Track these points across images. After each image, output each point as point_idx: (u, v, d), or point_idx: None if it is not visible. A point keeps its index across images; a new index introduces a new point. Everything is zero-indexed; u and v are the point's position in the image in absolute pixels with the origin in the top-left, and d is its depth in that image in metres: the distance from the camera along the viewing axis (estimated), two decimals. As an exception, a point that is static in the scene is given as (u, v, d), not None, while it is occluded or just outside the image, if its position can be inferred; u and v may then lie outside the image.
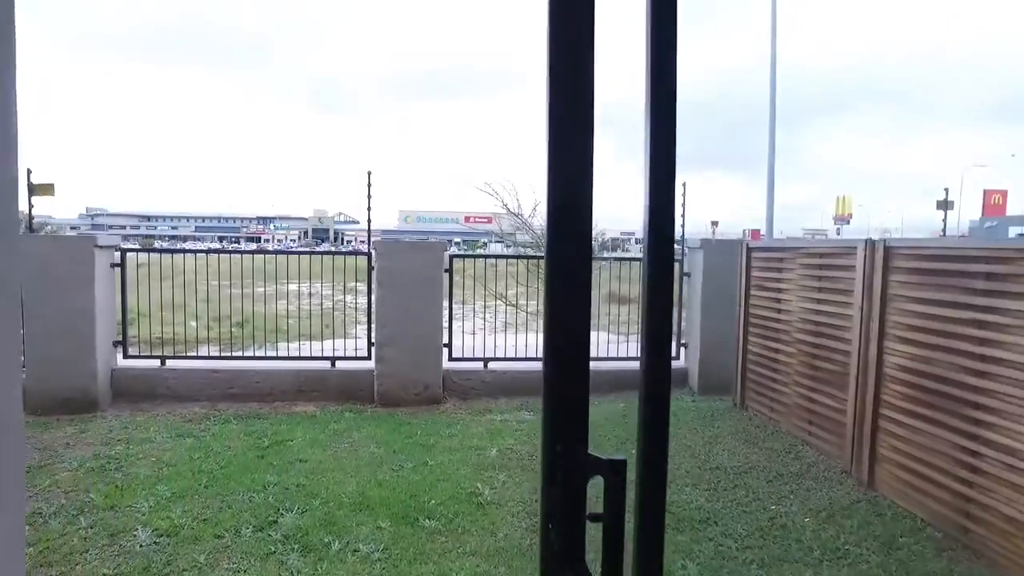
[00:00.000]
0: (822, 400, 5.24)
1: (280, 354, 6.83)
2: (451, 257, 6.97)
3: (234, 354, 6.73)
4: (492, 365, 7.06)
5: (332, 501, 4.18)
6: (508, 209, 10.39)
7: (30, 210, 6.38)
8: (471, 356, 7.05)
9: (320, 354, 6.84)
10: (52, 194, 6.34)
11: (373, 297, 6.63)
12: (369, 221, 6.70)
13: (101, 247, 6.19)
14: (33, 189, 6.30)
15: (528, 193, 10.09)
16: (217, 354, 6.95)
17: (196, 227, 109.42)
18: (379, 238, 6.75)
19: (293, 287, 8.66)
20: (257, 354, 6.79)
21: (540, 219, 11.02)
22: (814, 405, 5.35)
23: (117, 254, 6.52)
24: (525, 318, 7.99)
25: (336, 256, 8.11)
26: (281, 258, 8.02)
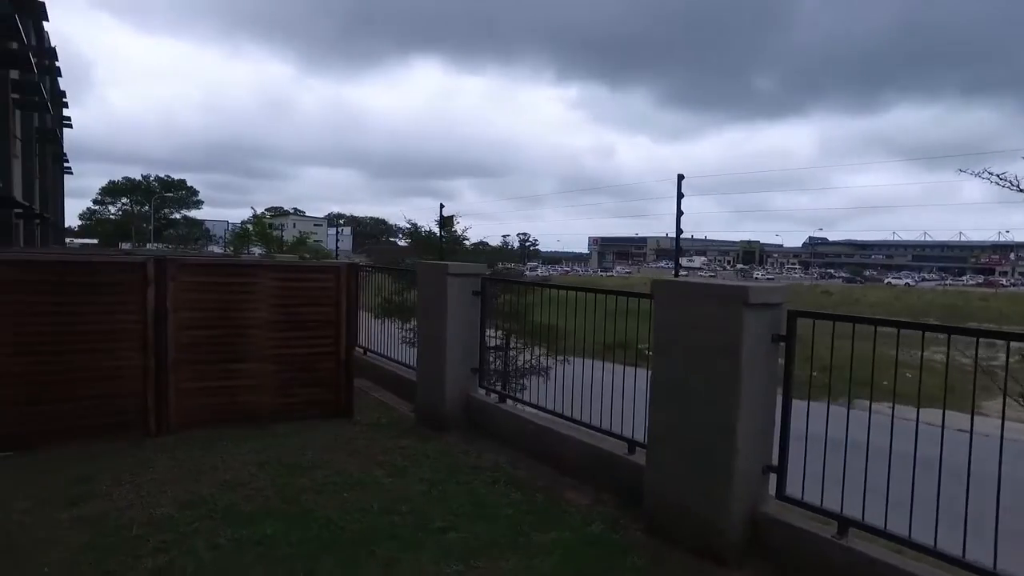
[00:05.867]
0: None
1: (583, 418, 5.34)
2: (793, 314, 3.90)
3: (556, 410, 5.66)
4: (858, 535, 3.62)
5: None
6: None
7: (441, 240, 7.10)
8: (818, 504, 3.79)
9: (617, 429, 5.01)
10: (451, 226, 6.89)
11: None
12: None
13: (453, 275, 6.32)
14: (443, 222, 6.99)
15: None
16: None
17: (912, 256, 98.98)
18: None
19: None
20: (569, 412, 5.54)
21: None
22: None
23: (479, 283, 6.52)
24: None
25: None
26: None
